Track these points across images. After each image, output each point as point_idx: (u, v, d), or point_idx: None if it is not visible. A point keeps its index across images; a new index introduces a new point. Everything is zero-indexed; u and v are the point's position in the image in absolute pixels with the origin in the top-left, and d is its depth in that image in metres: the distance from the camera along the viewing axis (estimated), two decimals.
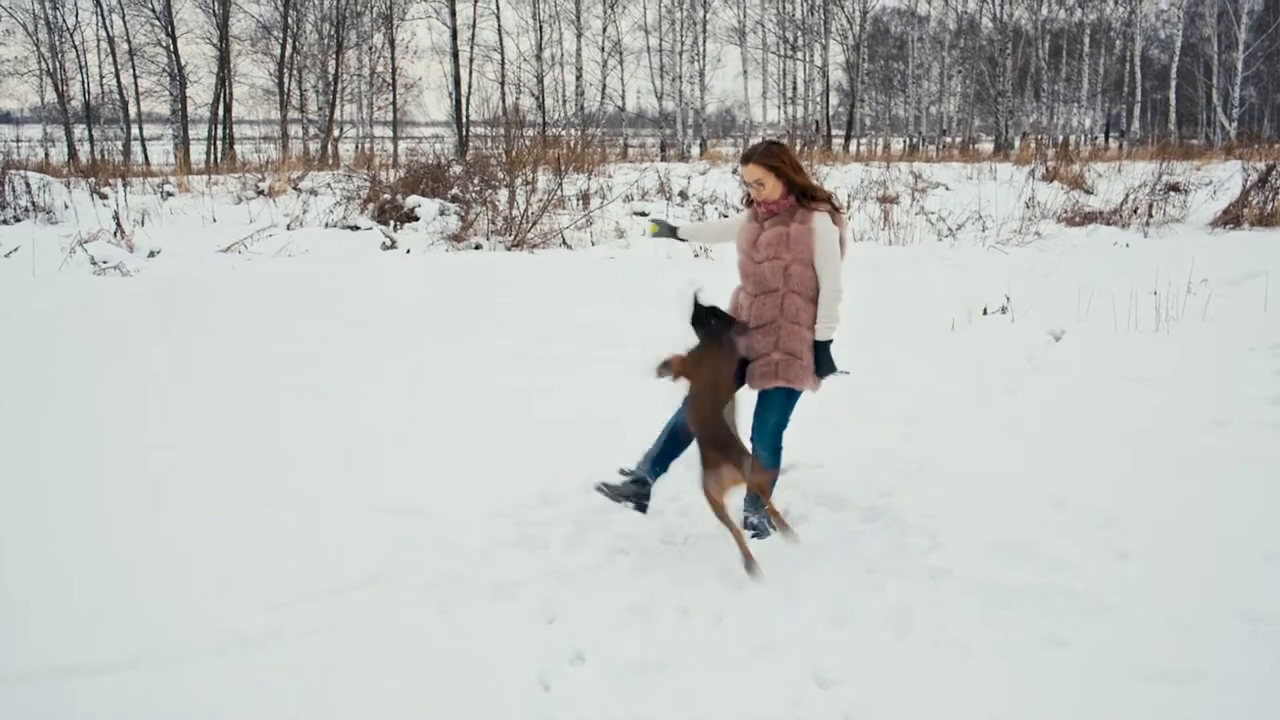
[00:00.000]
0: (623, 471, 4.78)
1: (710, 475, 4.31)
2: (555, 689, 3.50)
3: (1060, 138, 40.31)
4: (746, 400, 4.68)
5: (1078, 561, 4.34)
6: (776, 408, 4.68)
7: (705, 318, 4.53)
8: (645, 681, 3.52)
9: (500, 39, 39.52)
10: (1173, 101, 39.78)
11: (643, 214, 17.95)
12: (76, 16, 35.35)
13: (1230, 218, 15.77)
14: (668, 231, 5.31)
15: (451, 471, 5.51)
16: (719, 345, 4.48)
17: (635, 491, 4.69)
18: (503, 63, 39.46)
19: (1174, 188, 17.36)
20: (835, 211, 4.59)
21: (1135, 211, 16.35)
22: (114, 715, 3.33)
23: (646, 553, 4.59)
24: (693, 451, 4.49)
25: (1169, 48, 41.76)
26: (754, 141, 4.82)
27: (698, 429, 4.42)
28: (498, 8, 39.33)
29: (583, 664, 3.66)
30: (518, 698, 3.44)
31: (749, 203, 4.79)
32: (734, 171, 24.00)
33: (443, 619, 3.96)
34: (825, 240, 4.51)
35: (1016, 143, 39.03)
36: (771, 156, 4.52)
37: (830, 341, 4.60)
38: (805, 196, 4.56)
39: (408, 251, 14.56)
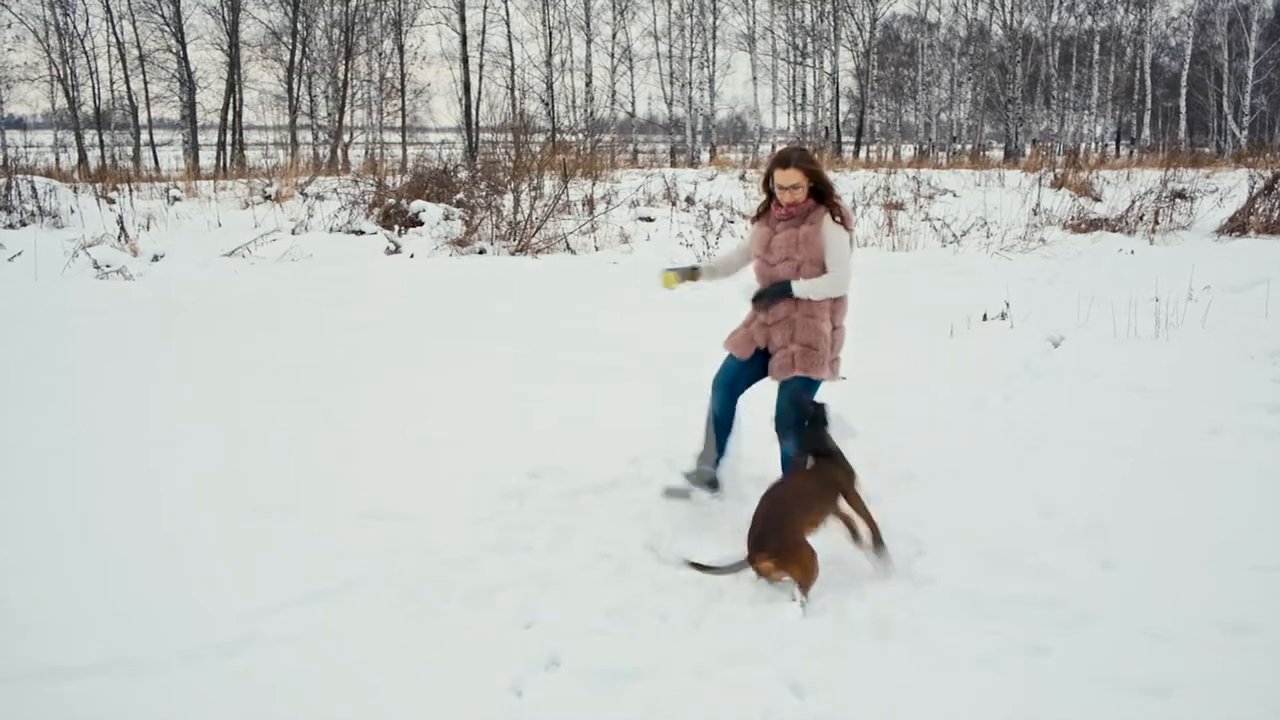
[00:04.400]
0: (686, 476, 5.18)
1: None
2: (528, 695, 3.48)
3: (1071, 145, 40.18)
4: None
5: (1064, 570, 4.31)
6: (793, 397, 4.85)
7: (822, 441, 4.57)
8: (619, 688, 3.49)
9: (510, 45, 39.60)
10: (1183, 109, 39.65)
11: (648, 219, 17.93)
12: (87, 23, 35.41)
13: (1236, 225, 15.67)
14: (686, 275, 5.23)
15: (443, 476, 5.51)
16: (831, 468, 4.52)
17: (708, 484, 5.16)
18: (512, 69, 39.54)
19: (1180, 195, 17.27)
20: (844, 215, 4.86)
21: (1141, 219, 16.26)
22: (94, 718, 3.34)
23: (629, 557, 4.56)
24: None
25: (1180, 55, 41.64)
26: (781, 147, 5.04)
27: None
28: (507, 14, 39.53)
29: (558, 669, 3.63)
30: (491, 703, 3.42)
31: (759, 214, 5.09)
32: (741, 177, 23.98)
33: (420, 623, 3.94)
34: (833, 240, 4.80)
35: (1027, 150, 38.90)
36: (809, 162, 4.82)
37: (788, 290, 4.80)
38: (821, 199, 4.84)
39: (411, 256, 14.57)
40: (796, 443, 4.69)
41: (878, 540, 4.37)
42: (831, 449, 4.56)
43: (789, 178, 4.77)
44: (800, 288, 4.79)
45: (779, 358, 4.90)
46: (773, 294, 4.86)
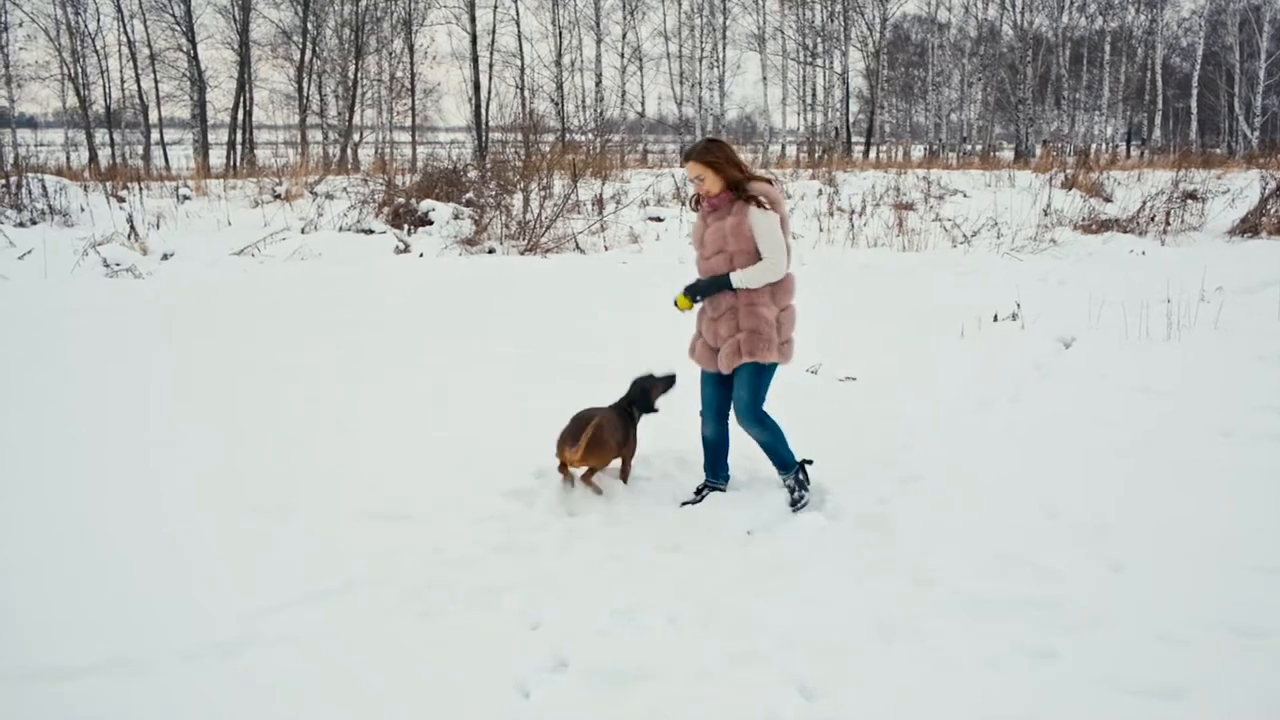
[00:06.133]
0: (697, 492, 5.32)
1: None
2: (535, 697, 3.45)
3: (1082, 145, 40.02)
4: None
5: (1070, 573, 4.27)
6: (744, 383, 5.00)
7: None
8: (624, 690, 3.46)
9: (520, 45, 39.60)
10: (1194, 110, 39.50)
11: (657, 219, 17.92)
12: (98, 22, 35.25)
13: (1248, 226, 15.58)
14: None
15: (445, 476, 5.47)
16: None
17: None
18: (522, 68, 39.54)
19: (1192, 196, 17.19)
20: (769, 198, 4.85)
21: (1152, 219, 16.19)
22: (94, 718, 3.32)
23: (637, 558, 4.54)
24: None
25: (1190, 56, 41.45)
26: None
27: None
28: (517, 14, 39.40)
29: (565, 671, 3.60)
30: (496, 704, 3.39)
31: (697, 203, 5.11)
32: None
33: (423, 623, 3.92)
34: (761, 226, 4.82)
35: (1037, 150, 38.75)
36: (709, 153, 4.88)
37: (727, 283, 4.88)
38: (742, 188, 4.87)
39: (420, 255, 14.57)
40: (758, 430, 5.09)
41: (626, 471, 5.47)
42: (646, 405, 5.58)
43: (690, 170, 4.92)
44: (738, 279, 4.85)
45: (725, 348, 4.98)
46: (707, 286, 4.93)
